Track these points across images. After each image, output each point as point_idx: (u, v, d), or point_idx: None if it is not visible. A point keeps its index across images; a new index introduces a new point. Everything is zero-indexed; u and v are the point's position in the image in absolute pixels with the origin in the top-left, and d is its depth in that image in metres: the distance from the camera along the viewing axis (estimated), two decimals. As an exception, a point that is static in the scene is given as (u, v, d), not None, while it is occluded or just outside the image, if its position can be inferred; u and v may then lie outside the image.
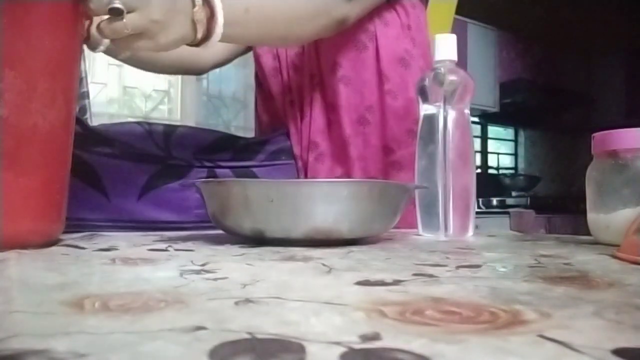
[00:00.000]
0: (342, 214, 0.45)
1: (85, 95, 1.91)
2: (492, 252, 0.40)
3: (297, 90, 0.78)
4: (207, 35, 0.51)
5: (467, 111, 0.59)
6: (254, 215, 0.44)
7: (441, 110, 0.58)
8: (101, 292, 0.22)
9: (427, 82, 0.59)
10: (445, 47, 0.60)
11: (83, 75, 1.94)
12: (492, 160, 3.78)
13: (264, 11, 0.57)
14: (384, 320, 0.17)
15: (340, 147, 0.76)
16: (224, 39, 0.52)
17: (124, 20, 0.45)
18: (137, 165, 0.64)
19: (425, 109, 0.60)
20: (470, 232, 0.58)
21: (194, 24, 0.49)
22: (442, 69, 0.59)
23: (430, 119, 0.59)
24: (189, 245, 0.44)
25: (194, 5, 0.49)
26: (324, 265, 0.31)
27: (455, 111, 0.58)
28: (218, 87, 2.61)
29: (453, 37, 0.60)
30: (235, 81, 2.65)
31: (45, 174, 0.41)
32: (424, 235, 0.59)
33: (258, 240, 0.45)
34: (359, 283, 0.25)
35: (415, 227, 0.72)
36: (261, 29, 0.57)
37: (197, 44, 0.51)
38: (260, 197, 0.44)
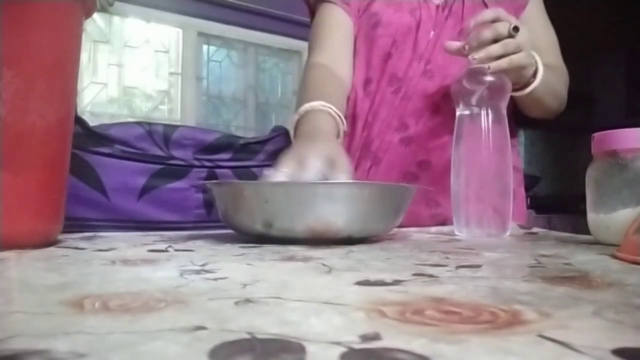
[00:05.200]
0: (349, 213, 0.45)
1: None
2: (492, 252, 0.40)
3: (405, 77, 0.78)
4: (530, 82, 0.68)
5: (504, 111, 0.59)
6: (265, 210, 0.44)
7: (482, 111, 0.58)
8: (101, 292, 0.22)
9: (463, 82, 0.59)
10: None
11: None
12: (492, 160, 3.76)
13: (551, 83, 0.73)
14: (384, 320, 0.17)
15: (431, 134, 0.76)
16: (534, 89, 0.68)
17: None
18: (137, 165, 0.64)
19: (462, 109, 0.60)
20: (508, 231, 0.57)
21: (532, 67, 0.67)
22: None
23: (467, 119, 0.59)
24: (189, 245, 0.44)
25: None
26: (324, 265, 0.31)
27: (492, 111, 0.58)
28: (218, 87, 2.60)
29: None
30: (235, 81, 2.65)
31: (43, 173, 0.41)
32: (459, 234, 0.58)
33: (264, 236, 0.45)
34: (359, 283, 0.25)
35: (420, 225, 0.72)
36: (544, 96, 0.73)
37: (521, 87, 0.68)
38: (276, 197, 0.44)
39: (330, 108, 0.67)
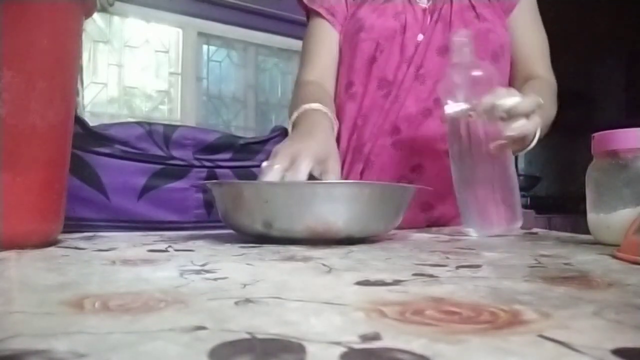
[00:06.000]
0: (349, 213, 0.45)
1: (75, 92, 1.94)
2: (492, 252, 0.40)
3: (395, 80, 0.78)
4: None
5: None
6: (265, 211, 0.45)
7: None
8: (101, 292, 0.22)
9: (451, 78, 0.59)
10: (464, 45, 0.59)
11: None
12: (492, 160, 3.76)
13: (546, 120, 0.73)
14: (384, 320, 0.17)
15: (424, 138, 0.76)
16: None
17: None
18: (137, 165, 0.64)
19: (453, 106, 0.59)
20: (520, 221, 0.57)
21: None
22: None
23: (463, 115, 0.58)
24: (189, 245, 0.44)
25: None
26: (324, 265, 0.31)
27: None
28: (218, 87, 2.60)
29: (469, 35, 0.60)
30: (235, 81, 2.65)
31: (43, 173, 0.41)
32: (472, 234, 0.58)
33: (264, 236, 0.45)
34: (359, 283, 0.25)
35: (416, 226, 0.72)
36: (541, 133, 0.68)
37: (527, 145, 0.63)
38: (277, 198, 0.44)
39: (327, 110, 0.69)
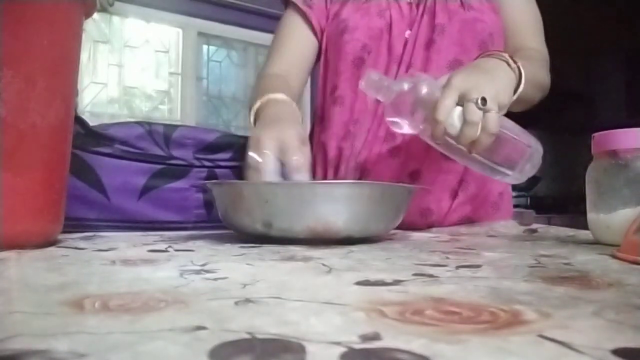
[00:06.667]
0: (349, 213, 0.45)
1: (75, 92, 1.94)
2: (492, 252, 0.40)
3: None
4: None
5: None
6: (265, 210, 0.45)
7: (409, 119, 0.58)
8: (101, 292, 0.22)
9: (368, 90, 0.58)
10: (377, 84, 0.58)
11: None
12: (492, 160, 3.77)
13: (536, 78, 0.68)
14: (384, 320, 0.17)
15: (420, 142, 0.75)
16: (518, 96, 0.61)
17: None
18: (137, 165, 0.64)
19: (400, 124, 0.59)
20: (536, 144, 0.57)
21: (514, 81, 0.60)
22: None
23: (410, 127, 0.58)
24: (189, 245, 0.44)
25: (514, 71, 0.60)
26: (324, 265, 0.31)
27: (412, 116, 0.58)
28: (218, 87, 2.60)
29: None
30: (235, 81, 2.65)
31: (43, 173, 0.41)
32: (511, 178, 0.58)
33: (264, 236, 0.45)
34: (359, 283, 0.25)
35: (412, 227, 0.71)
36: (528, 92, 0.65)
37: None
38: (276, 197, 0.44)
39: (292, 101, 0.67)
